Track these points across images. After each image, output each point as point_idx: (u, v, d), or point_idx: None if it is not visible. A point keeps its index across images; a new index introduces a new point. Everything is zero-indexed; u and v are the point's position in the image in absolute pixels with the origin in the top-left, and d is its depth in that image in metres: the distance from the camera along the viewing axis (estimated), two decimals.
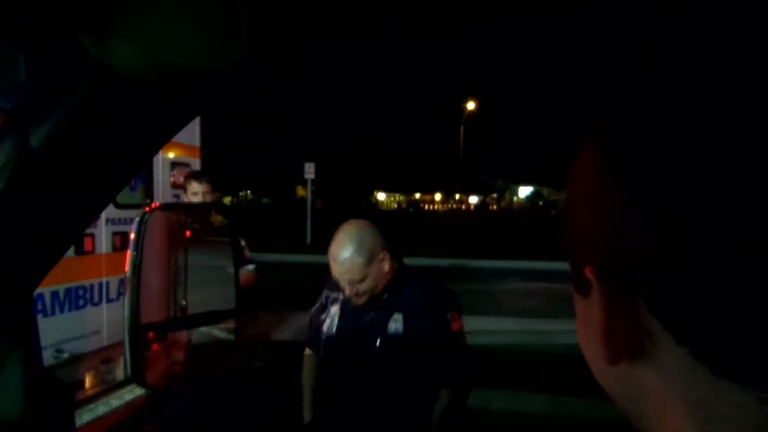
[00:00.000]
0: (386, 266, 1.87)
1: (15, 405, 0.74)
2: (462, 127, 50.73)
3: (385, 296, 1.91)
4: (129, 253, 1.06)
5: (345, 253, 1.81)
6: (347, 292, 1.86)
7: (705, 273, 0.29)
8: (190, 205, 2.86)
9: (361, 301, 1.88)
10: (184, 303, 1.54)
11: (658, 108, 0.32)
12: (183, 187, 3.28)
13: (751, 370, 0.29)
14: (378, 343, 1.84)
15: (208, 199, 3.16)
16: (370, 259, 1.82)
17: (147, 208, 1.11)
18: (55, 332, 3.59)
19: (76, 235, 0.74)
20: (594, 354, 0.38)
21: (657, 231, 0.30)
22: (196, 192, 3.14)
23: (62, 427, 0.87)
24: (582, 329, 0.41)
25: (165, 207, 1.31)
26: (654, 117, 0.32)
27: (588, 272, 0.35)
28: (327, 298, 2.09)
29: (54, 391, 0.86)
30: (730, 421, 0.31)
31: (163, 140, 0.66)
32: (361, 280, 1.83)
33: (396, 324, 1.85)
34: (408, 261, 2.06)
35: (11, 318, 0.74)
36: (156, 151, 0.70)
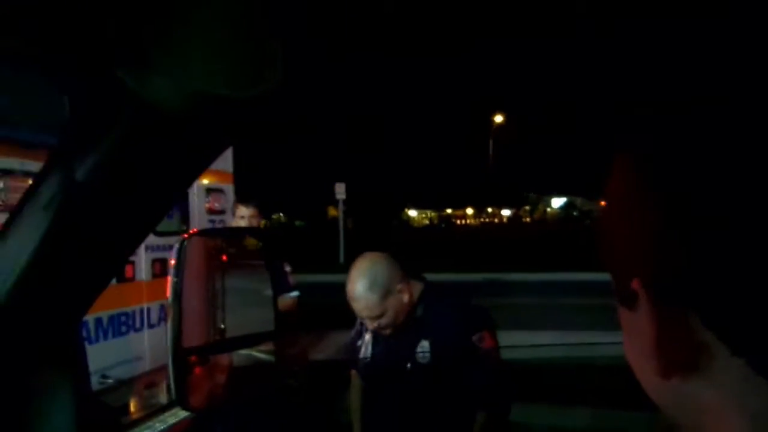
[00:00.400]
0: (405, 297, 1.84)
1: (67, 429, 0.76)
2: (491, 141, 50.53)
3: (411, 324, 1.89)
4: (170, 279, 1.09)
5: (359, 291, 1.80)
6: (369, 326, 1.87)
7: (760, 287, 0.29)
8: (225, 230, 2.92)
9: (386, 332, 1.88)
10: (222, 326, 1.57)
11: (699, 128, 0.33)
12: (232, 212, 3.40)
13: None
14: (408, 369, 1.83)
15: (254, 223, 3.23)
16: (386, 294, 1.80)
17: (185, 235, 1.14)
18: (100, 358, 3.68)
19: (121, 263, 0.76)
20: (643, 367, 0.38)
21: (709, 248, 0.31)
22: (243, 216, 3.22)
23: None
24: (629, 342, 0.40)
25: (202, 233, 1.35)
26: (695, 137, 0.33)
27: (635, 285, 0.35)
28: (362, 324, 2.08)
29: (102, 417, 0.88)
30: None
31: (201, 169, 0.69)
32: (380, 316, 1.81)
33: (423, 350, 1.83)
34: (441, 277, 2.06)
35: (61, 345, 0.77)
36: (194, 180, 0.72)
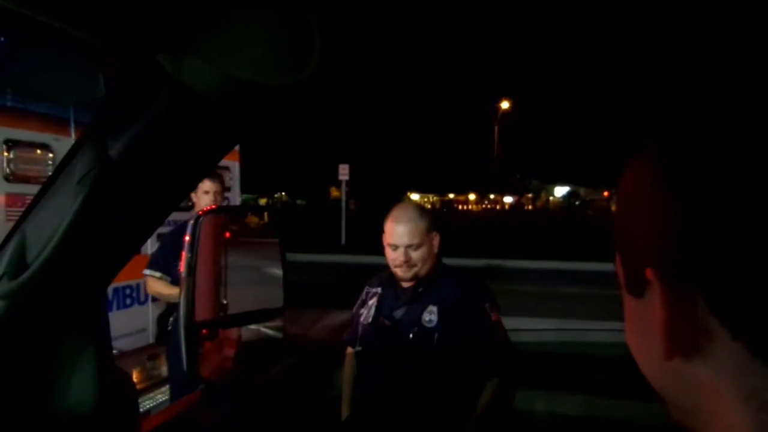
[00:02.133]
0: (436, 244, 1.95)
1: (90, 393, 0.80)
2: (496, 127, 50.26)
3: (421, 289, 1.95)
4: (184, 254, 1.12)
5: (408, 215, 1.91)
6: (399, 259, 1.90)
7: (764, 275, 0.32)
8: (233, 208, 2.95)
9: (409, 274, 1.92)
10: (224, 302, 1.61)
11: (725, 121, 0.35)
12: None
13: None
14: (412, 335, 1.88)
15: (219, 199, 3.22)
16: (429, 229, 1.92)
17: (200, 212, 1.17)
18: None
19: (146, 237, 0.80)
20: (647, 350, 0.41)
21: (721, 235, 0.33)
22: (208, 191, 3.18)
23: (129, 414, 0.93)
24: (632, 328, 0.43)
25: (215, 211, 1.38)
26: (721, 129, 0.35)
27: (649, 273, 0.38)
28: (367, 293, 2.15)
29: (121, 381, 0.92)
30: None
31: (227, 150, 0.71)
32: (419, 246, 1.90)
33: (431, 315, 1.89)
34: (443, 261, 2.09)
35: (87, 314, 0.80)
36: (219, 160, 0.75)
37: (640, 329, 0.41)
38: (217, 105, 0.56)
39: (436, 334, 1.85)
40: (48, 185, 0.71)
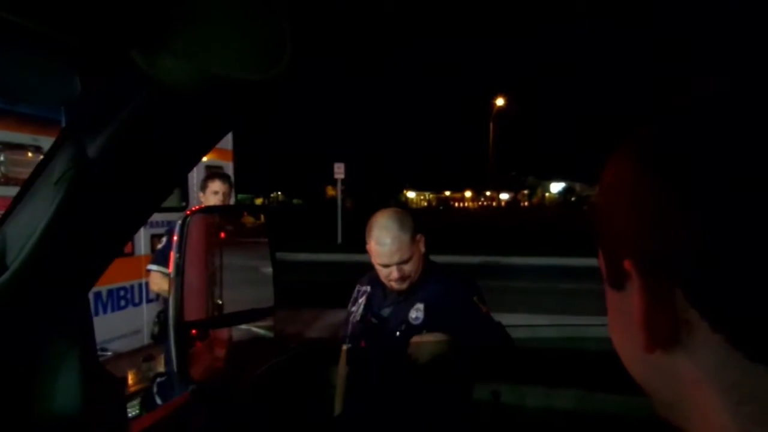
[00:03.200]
0: (422, 248, 1.92)
1: (74, 398, 0.79)
2: (491, 124, 50.29)
3: (410, 287, 1.95)
4: (173, 255, 1.11)
5: (391, 233, 1.84)
6: (394, 276, 1.88)
7: (744, 267, 0.32)
8: (226, 208, 2.93)
9: (404, 285, 1.90)
10: (220, 302, 1.60)
11: (706, 115, 0.35)
12: (202, 186, 3.31)
13: None
14: (399, 333, 1.87)
15: (227, 200, 3.22)
16: (413, 238, 1.87)
17: (188, 212, 1.16)
18: (99, 332, 3.71)
19: (127, 238, 0.79)
20: (628, 344, 0.41)
21: (700, 228, 0.33)
22: (217, 191, 3.18)
23: (115, 418, 0.92)
24: (614, 321, 0.43)
25: (205, 210, 1.37)
26: (702, 124, 0.35)
27: (627, 265, 0.38)
28: (358, 291, 2.16)
29: (108, 386, 0.91)
30: (762, 403, 0.33)
31: (207, 148, 0.70)
32: (408, 260, 1.86)
33: (417, 313, 1.88)
34: (439, 258, 2.09)
35: (70, 317, 0.79)
36: (201, 158, 0.74)
37: (621, 323, 0.41)
38: (193, 101, 0.55)
39: (423, 331, 1.84)
40: (27, 186, 0.70)
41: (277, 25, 0.51)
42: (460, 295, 1.91)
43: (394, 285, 1.91)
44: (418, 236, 1.91)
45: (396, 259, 1.85)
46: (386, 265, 1.88)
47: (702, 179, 0.33)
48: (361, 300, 2.09)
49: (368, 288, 2.09)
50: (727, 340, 0.33)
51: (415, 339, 1.76)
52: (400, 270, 1.86)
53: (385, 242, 1.85)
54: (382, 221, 1.88)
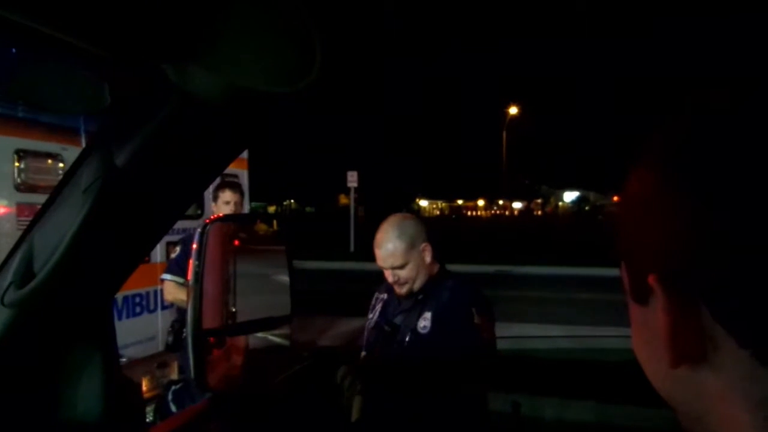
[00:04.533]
0: (428, 258, 1.93)
1: (97, 403, 0.80)
2: (504, 133, 50.20)
3: (421, 296, 1.96)
4: (191, 262, 1.12)
5: (387, 238, 1.91)
6: (389, 279, 1.94)
7: None
8: (242, 216, 2.95)
9: (403, 290, 1.95)
10: (234, 310, 1.61)
11: (729, 124, 0.35)
12: (214, 196, 3.30)
13: None
14: (408, 341, 1.88)
15: (239, 209, 3.21)
16: (411, 246, 1.90)
17: (207, 220, 1.18)
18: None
19: (152, 246, 0.80)
20: (653, 358, 0.40)
21: (724, 242, 0.33)
22: (229, 201, 3.18)
23: (135, 424, 0.93)
24: (638, 335, 0.43)
25: (223, 218, 1.38)
26: (726, 137, 0.35)
27: (651, 280, 0.37)
28: (376, 298, 2.18)
29: (128, 391, 0.92)
30: None
31: (232, 158, 0.72)
32: (402, 266, 1.90)
33: (425, 322, 1.89)
34: (452, 268, 2.09)
35: (94, 323, 0.80)
36: (224, 168, 0.75)
37: (645, 337, 0.41)
38: (221, 113, 0.56)
39: (429, 341, 1.84)
40: (55, 194, 0.72)
41: (307, 38, 0.52)
42: (461, 305, 1.90)
43: (396, 289, 1.96)
44: (423, 245, 1.92)
45: (389, 263, 1.91)
46: (383, 268, 1.93)
47: (726, 194, 0.33)
48: (378, 307, 2.10)
49: (385, 295, 2.11)
50: (754, 355, 0.33)
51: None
52: (395, 274, 1.92)
53: (380, 246, 1.92)
54: (385, 225, 1.94)
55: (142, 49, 0.52)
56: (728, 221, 0.33)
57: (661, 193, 0.37)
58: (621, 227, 0.42)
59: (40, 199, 0.75)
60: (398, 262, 1.90)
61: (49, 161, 3.64)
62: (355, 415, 2.13)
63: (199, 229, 1.14)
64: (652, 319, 0.38)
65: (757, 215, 0.32)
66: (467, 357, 1.83)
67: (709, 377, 0.36)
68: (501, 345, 1.96)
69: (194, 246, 1.13)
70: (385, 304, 2.08)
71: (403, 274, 1.92)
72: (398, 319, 1.98)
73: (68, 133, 3.51)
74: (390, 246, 1.90)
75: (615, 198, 0.42)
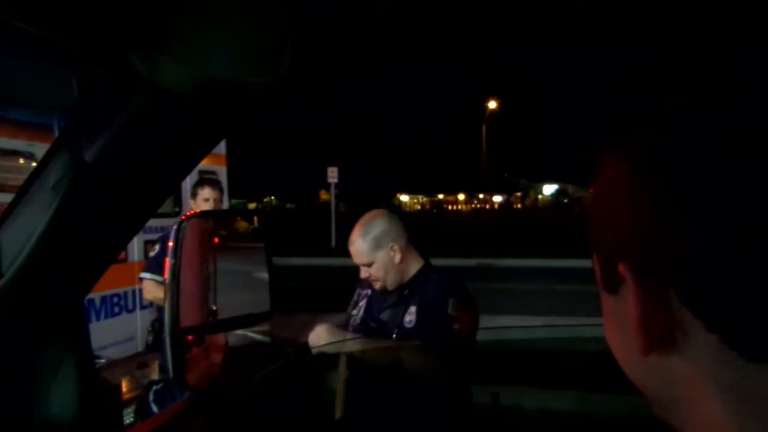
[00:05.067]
0: (396, 257, 1.95)
1: (71, 405, 0.78)
2: (484, 127, 50.43)
3: (406, 292, 1.97)
4: (168, 260, 1.10)
5: (354, 237, 1.97)
6: (362, 275, 1.99)
7: (736, 267, 0.33)
8: (221, 212, 2.92)
9: (376, 286, 1.99)
10: (214, 307, 1.59)
11: (702, 121, 0.36)
12: (192, 193, 3.28)
13: None
14: (394, 336, 1.89)
15: (218, 206, 3.19)
16: (376, 246, 1.94)
17: (183, 217, 1.16)
18: (92, 339, 3.68)
19: (123, 244, 0.78)
20: (625, 346, 0.41)
21: (692, 230, 0.34)
22: (208, 198, 3.16)
23: (112, 426, 0.91)
24: (610, 325, 0.43)
25: (200, 215, 1.36)
26: (693, 129, 0.36)
27: (622, 269, 0.38)
28: (358, 294, 2.18)
29: (104, 393, 0.90)
30: (759, 400, 0.34)
31: (205, 152, 0.70)
32: (369, 265, 1.95)
33: (410, 316, 1.90)
34: (433, 261, 2.09)
35: (66, 323, 0.79)
36: (197, 163, 0.74)
37: (617, 326, 0.42)
38: (192, 105, 0.55)
39: (415, 336, 1.85)
40: (23, 191, 0.70)
41: (277, 27, 0.51)
42: (440, 297, 1.91)
43: (372, 284, 1.99)
44: (391, 245, 1.93)
45: (357, 260, 1.97)
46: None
47: (694, 182, 0.34)
48: (362, 303, 2.10)
49: (369, 291, 2.11)
50: (722, 339, 0.34)
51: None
52: (365, 271, 1.97)
53: (349, 243, 1.98)
54: (357, 223, 1.99)
55: (109, 40, 0.50)
56: (693, 210, 0.34)
57: (631, 183, 0.38)
58: (593, 218, 0.43)
59: (9, 198, 0.73)
60: (363, 260, 1.95)
61: (22, 160, 3.56)
62: (338, 413, 2.12)
63: (175, 226, 1.13)
64: (623, 308, 0.39)
65: (720, 205, 0.33)
66: (437, 347, 1.84)
67: (679, 363, 0.37)
68: (481, 336, 1.97)
69: (170, 243, 1.12)
70: (370, 300, 2.09)
71: (372, 271, 1.96)
72: (385, 315, 1.98)
73: (41, 130, 3.44)
74: (355, 244, 1.95)
75: (592, 191, 0.43)
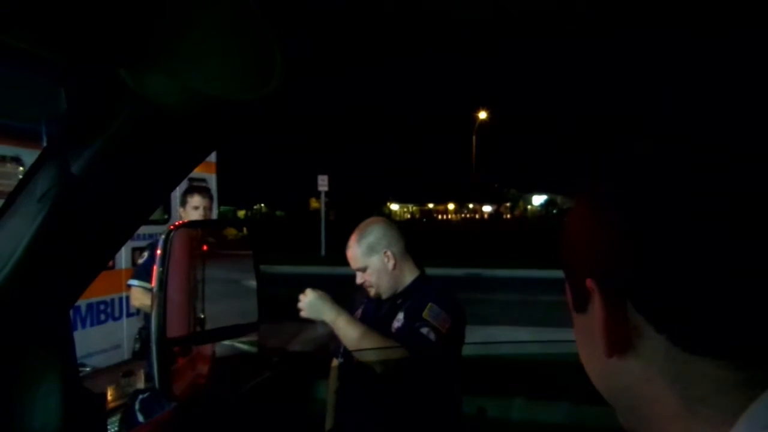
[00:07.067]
0: (390, 264, 1.96)
1: (54, 415, 0.77)
2: (474, 137, 50.69)
3: (399, 301, 1.97)
4: (156, 269, 1.09)
5: (350, 242, 1.99)
6: (357, 280, 2.01)
7: (674, 279, 0.41)
8: (210, 222, 2.91)
9: (371, 293, 2.00)
10: (202, 316, 1.58)
11: (640, 172, 0.45)
12: (182, 201, 3.25)
13: (714, 345, 0.40)
14: None
15: (208, 214, 3.17)
16: (370, 251, 1.96)
17: (172, 226, 1.15)
18: (77, 347, 3.64)
19: (112, 254, 0.78)
20: (593, 358, 0.48)
21: (637, 250, 0.42)
22: (198, 206, 3.13)
23: None
24: (581, 341, 0.51)
25: (189, 224, 1.35)
26: (637, 180, 0.45)
27: (589, 283, 0.45)
28: (354, 301, 2.16)
29: (88, 402, 0.89)
30: (700, 385, 0.41)
31: (194, 164, 0.70)
32: (363, 269, 1.97)
33: (398, 323, 1.90)
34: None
35: (51, 333, 0.78)
36: (186, 175, 0.74)
37: (587, 341, 0.48)
38: (181, 119, 0.55)
39: (396, 339, 1.84)
40: (9, 202, 0.69)
41: (268, 44, 0.51)
42: (425, 301, 1.90)
43: (367, 290, 2.00)
44: (385, 251, 1.95)
45: (352, 265, 1.99)
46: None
47: (638, 216, 0.43)
48: (357, 312, 2.08)
49: (365, 300, 2.10)
50: (669, 339, 0.41)
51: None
52: (360, 276, 1.98)
53: (347, 247, 2.00)
54: (356, 230, 2.01)
55: (97, 54, 0.50)
56: (643, 231, 0.42)
57: (594, 219, 0.47)
58: (565, 248, 0.52)
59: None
60: (358, 264, 1.97)
61: (9, 165, 3.53)
62: (329, 423, 2.11)
63: (163, 235, 1.12)
64: (591, 322, 0.46)
65: (664, 227, 0.41)
66: (401, 349, 1.83)
67: (636, 363, 0.44)
68: (467, 350, 1.98)
69: (158, 252, 1.11)
70: (365, 310, 2.08)
71: (366, 276, 1.97)
72: (376, 323, 1.97)
73: (29, 136, 3.41)
74: (351, 248, 1.98)
75: (566, 220, 0.54)
